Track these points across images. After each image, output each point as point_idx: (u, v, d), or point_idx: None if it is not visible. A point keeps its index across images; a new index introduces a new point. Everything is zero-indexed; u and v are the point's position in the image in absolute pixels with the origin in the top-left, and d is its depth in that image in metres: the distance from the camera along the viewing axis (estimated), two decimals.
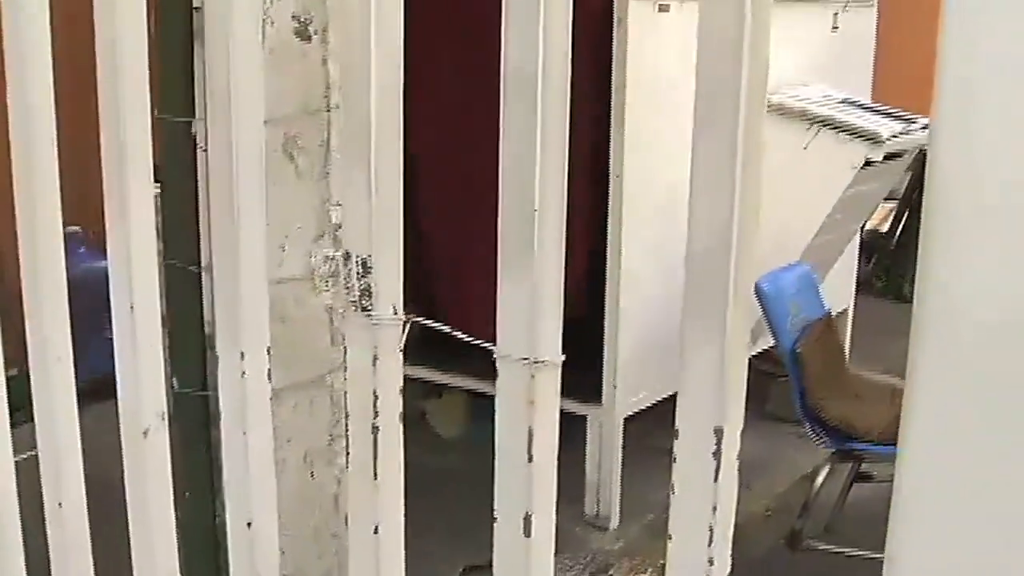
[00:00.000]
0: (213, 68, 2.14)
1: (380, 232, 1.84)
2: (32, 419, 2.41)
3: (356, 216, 1.86)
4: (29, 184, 2.27)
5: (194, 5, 3.49)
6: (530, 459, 1.74)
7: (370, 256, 1.86)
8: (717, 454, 1.56)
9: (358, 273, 1.87)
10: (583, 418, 4.69)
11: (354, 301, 1.89)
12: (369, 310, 1.87)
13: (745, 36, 1.45)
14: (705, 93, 1.50)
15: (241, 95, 2.10)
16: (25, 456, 2.43)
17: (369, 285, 1.87)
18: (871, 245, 8.28)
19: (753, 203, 1.51)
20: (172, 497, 2.41)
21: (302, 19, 3.14)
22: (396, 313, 1.87)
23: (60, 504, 2.41)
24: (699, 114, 1.52)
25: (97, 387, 2.87)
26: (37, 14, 2.19)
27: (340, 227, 3.30)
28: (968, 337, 1.28)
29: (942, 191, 1.28)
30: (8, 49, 2.24)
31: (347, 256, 1.89)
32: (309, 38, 3.16)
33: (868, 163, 4.97)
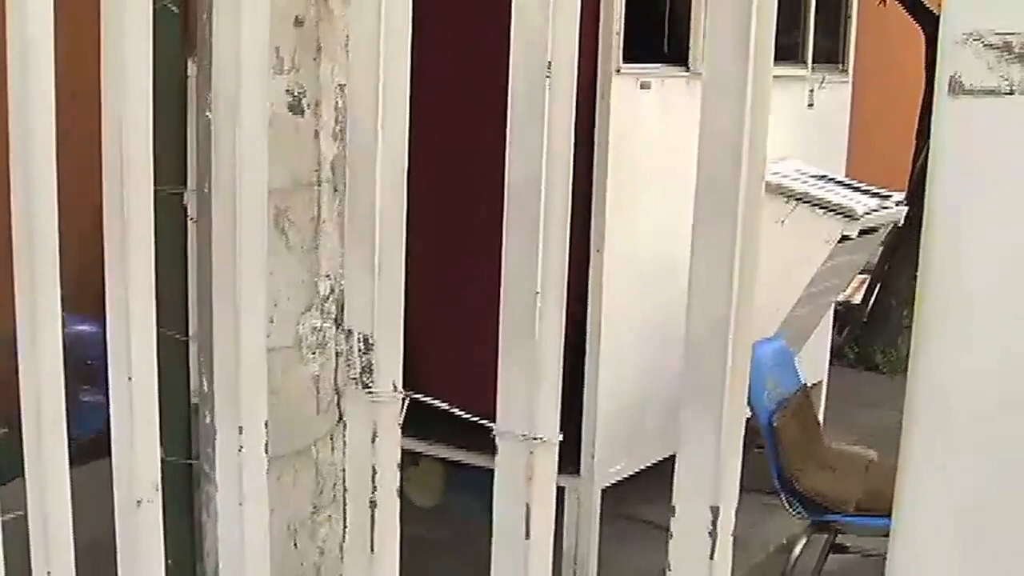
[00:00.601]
0: (219, 141, 2.18)
1: (383, 309, 1.89)
2: (23, 474, 2.42)
3: (359, 293, 1.90)
4: (29, 250, 2.29)
5: (187, 74, 3.56)
6: (527, 535, 1.78)
7: (372, 333, 1.90)
8: (713, 532, 1.61)
9: (360, 350, 1.91)
10: (561, 489, 4.72)
11: (355, 377, 1.93)
12: (370, 386, 1.91)
13: (745, 135, 1.51)
14: (705, 187, 1.56)
15: (246, 168, 2.14)
16: (13, 516, 2.45)
17: (371, 362, 1.91)
18: (844, 316, 8.38)
19: (750, 294, 1.56)
20: (164, 567, 2.43)
21: (295, 93, 3.21)
22: (396, 390, 1.91)
23: (48, 573, 2.42)
24: (699, 210, 1.58)
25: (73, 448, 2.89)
26: (43, 93, 2.23)
27: (328, 299, 3.35)
28: (959, 418, 1.33)
29: (934, 282, 1.34)
30: (14, 121, 2.28)
31: (349, 333, 1.93)
32: (302, 112, 3.22)
33: (844, 238, 5.06)
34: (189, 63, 3.55)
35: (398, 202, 1.87)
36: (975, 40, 1.28)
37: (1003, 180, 1.29)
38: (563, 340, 1.72)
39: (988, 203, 1.31)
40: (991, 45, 1.27)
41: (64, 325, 3.14)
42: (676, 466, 1.65)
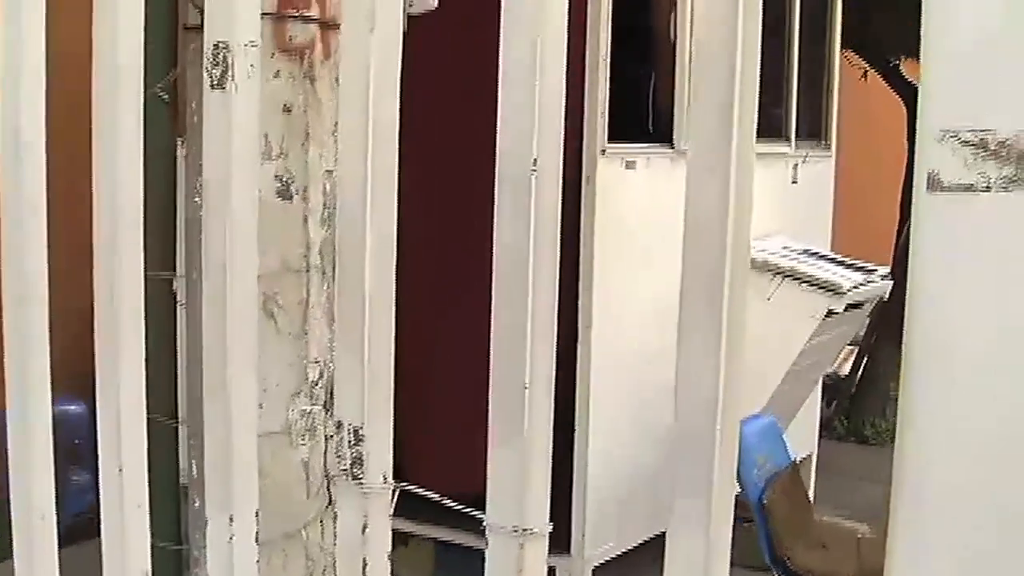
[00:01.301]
0: (209, 228, 2.20)
1: (372, 401, 1.90)
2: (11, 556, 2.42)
3: (348, 384, 1.92)
4: (20, 339, 2.30)
5: (176, 155, 3.59)
6: None
7: (362, 425, 1.91)
8: None
9: (349, 441, 1.92)
10: (552, 568, 4.69)
11: (345, 469, 1.93)
12: (360, 478, 1.92)
13: (729, 216, 1.53)
14: (691, 272, 1.58)
15: (236, 256, 2.16)
16: None
17: (361, 453, 1.92)
18: (832, 388, 8.38)
19: (738, 380, 1.58)
20: None
21: (284, 179, 3.22)
22: (386, 481, 1.92)
23: None
24: (685, 295, 1.59)
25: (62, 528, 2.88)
26: (35, 197, 2.24)
27: (317, 383, 3.35)
28: (945, 493, 1.35)
29: (917, 371, 1.36)
30: (7, 204, 2.30)
31: (339, 425, 1.94)
32: (291, 198, 3.23)
33: (830, 313, 5.08)
34: (179, 144, 3.58)
35: (387, 292, 1.89)
36: (951, 137, 1.31)
37: (982, 274, 1.31)
38: (551, 432, 1.73)
39: (968, 297, 1.33)
40: (967, 142, 1.30)
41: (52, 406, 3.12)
42: (666, 547, 1.66)
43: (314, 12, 3.26)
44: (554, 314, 1.66)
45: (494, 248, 1.67)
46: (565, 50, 1.70)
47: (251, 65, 2.01)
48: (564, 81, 1.67)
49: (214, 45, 2.00)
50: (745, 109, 1.55)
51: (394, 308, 1.89)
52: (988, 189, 1.30)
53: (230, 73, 1.99)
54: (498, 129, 1.67)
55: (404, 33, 3.14)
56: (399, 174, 1.94)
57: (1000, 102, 1.29)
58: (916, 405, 1.37)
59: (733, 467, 1.66)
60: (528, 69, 1.61)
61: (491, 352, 1.72)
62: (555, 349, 1.68)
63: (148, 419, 3.06)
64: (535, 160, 1.61)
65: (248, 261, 2.11)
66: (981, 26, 1.28)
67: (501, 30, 1.66)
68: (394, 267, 1.88)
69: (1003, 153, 1.28)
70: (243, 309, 2.15)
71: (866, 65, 8.09)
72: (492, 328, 1.71)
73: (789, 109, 5.87)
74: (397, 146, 1.85)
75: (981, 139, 1.29)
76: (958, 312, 1.33)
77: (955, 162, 1.31)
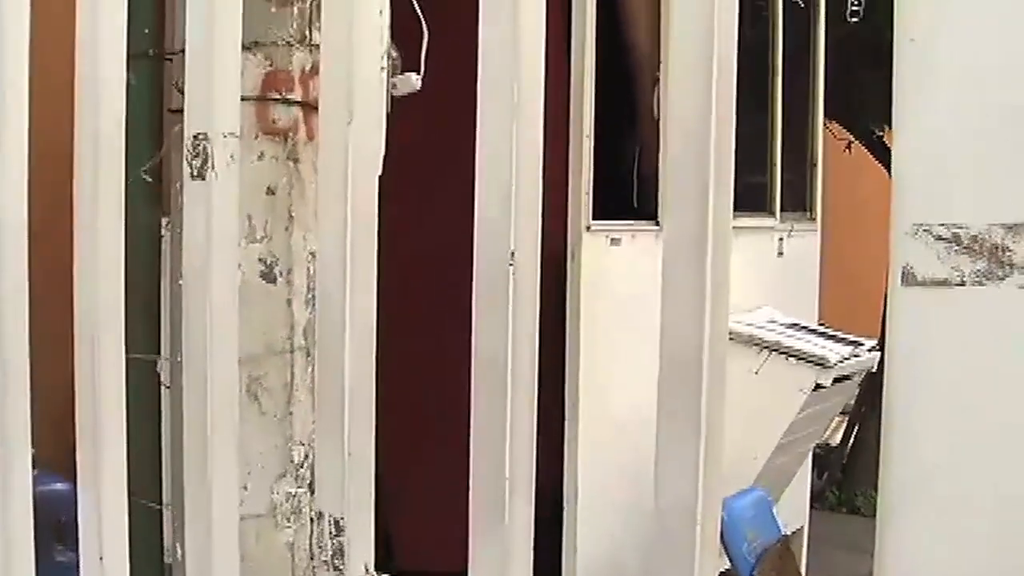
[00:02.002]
0: (190, 312, 2.19)
1: (353, 492, 1.89)
2: None
3: (329, 476, 1.91)
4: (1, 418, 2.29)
5: (160, 234, 3.60)
6: None
7: (343, 516, 1.90)
8: None
9: (331, 532, 1.91)
10: None
11: (326, 560, 1.92)
12: (341, 570, 1.90)
13: (707, 296, 1.53)
14: (668, 355, 1.57)
15: (216, 339, 2.15)
16: None
17: (342, 545, 1.90)
18: (823, 459, 8.34)
19: (717, 462, 1.57)
20: None
21: (268, 262, 3.24)
22: (368, 572, 1.91)
23: None
24: (663, 380, 1.59)
25: None
26: (16, 292, 2.24)
27: (302, 465, 3.34)
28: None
29: (894, 466, 1.35)
30: None
31: (320, 515, 1.92)
32: (274, 280, 3.25)
33: (818, 387, 5.07)
34: (163, 222, 3.59)
35: (367, 383, 1.88)
36: (924, 231, 1.31)
37: (958, 368, 1.31)
38: (532, 525, 1.72)
39: (943, 390, 1.33)
40: (940, 237, 1.31)
41: (36, 484, 3.12)
42: None
43: (297, 95, 3.29)
44: (533, 408, 1.66)
45: (473, 341, 1.67)
46: (541, 142, 1.71)
47: (231, 155, 2.02)
48: (540, 174, 1.68)
49: (193, 136, 2.01)
50: (721, 184, 1.56)
51: (374, 396, 1.88)
52: (962, 283, 1.30)
53: (210, 163, 2.00)
54: (475, 221, 1.67)
55: (388, 114, 3.16)
56: (379, 256, 1.94)
57: (972, 197, 1.30)
58: (892, 496, 1.37)
59: (715, 550, 1.65)
60: (504, 162, 1.61)
61: (471, 443, 1.71)
62: (535, 442, 1.68)
63: (132, 501, 3.04)
64: (512, 253, 1.61)
65: (228, 351, 2.11)
66: (951, 123, 1.29)
67: (477, 126, 1.67)
68: (374, 355, 1.88)
69: (976, 247, 1.29)
70: (224, 398, 2.14)
71: (850, 136, 8.14)
72: (472, 419, 1.71)
73: (774, 182, 5.89)
74: (376, 232, 1.85)
75: (954, 234, 1.30)
76: (934, 407, 1.33)
77: (928, 256, 1.31)
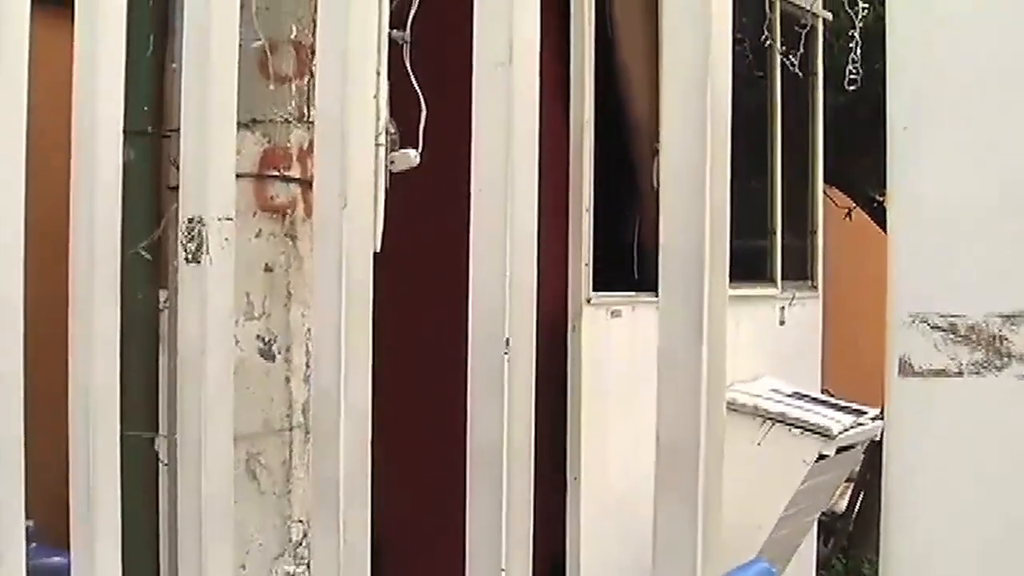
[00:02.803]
0: (184, 390, 2.17)
1: None
2: None
3: (325, 565, 1.88)
4: None
5: (160, 306, 3.59)
6: None
7: None
8: None
9: None
10: None
11: None
12: None
13: (703, 366, 1.51)
14: (665, 429, 1.56)
15: (211, 418, 2.13)
16: None
17: None
18: (828, 526, 8.29)
19: (716, 536, 1.55)
20: None
21: (266, 339, 3.23)
22: None
23: None
24: (659, 464, 1.58)
25: None
26: (12, 345, 2.23)
27: (301, 543, 3.31)
28: None
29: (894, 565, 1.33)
30: None
31: None
32: (273, 357, 3.24)
33: (821, 457, 5.04)
34: (162, 296, 3.59)
35: (363, 468, 1.86)
36: (921, 322, 1.30)
37: (956, 459, 1.30)
38: None
39: (941, 480, 1.31)
40: (937, 327, 1.29)
41: (33, 557, 3.09)
42: None
43: (295, 172, 3.30)
44: (530, 500, 1.64)
45: (468, 430, 1.65)
46: (535, 227, 1.70)
47: (225, 239, 2.01)
48: (535, 260, 1.67)
49: (188, 220, 2.00)
50: (716, 254, 1.55)
51: (370, 487, 1.86)
52: (960, 373, 1.29)
53: (204, 247, 1.99)
54: (469, 307, 1.66)
55: (386, 189, 3.17)
56: (375, 342, 1.93)
57: (969, 286, 1.28)
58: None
59: None
60: (498, 247, 1.61)
61: (467, 532, 1.69)
62: (531, 532, 1.66)
63: None
64: (508, 341, 1.60)
65: (223, 435, 2.09)
66: (947, 212, 1.29)
67: (471, 209, 1.66)
68: (369, 445, 1.86)
69: (973, 337, 1.27)
70: (219, 482, 2.11)
71: (851, 203, 8.16)
72: (467, 509, 1.69)
73: (774, 250, 5.90)
74: (371, 312, 1.84)
75: (951, 324, 1.29)
76: (933, 499, 1.31)
77: (925, 346, 1.30)
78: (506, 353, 1.61)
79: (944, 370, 1.29)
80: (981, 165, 1.26)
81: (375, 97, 1.92)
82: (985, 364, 1.28)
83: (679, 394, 1.57)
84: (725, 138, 1.65)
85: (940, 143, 1.29)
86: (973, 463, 1.28)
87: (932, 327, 1.29)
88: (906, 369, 1.31)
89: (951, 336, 1.29)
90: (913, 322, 1.31)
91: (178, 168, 3.24)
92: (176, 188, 3.35)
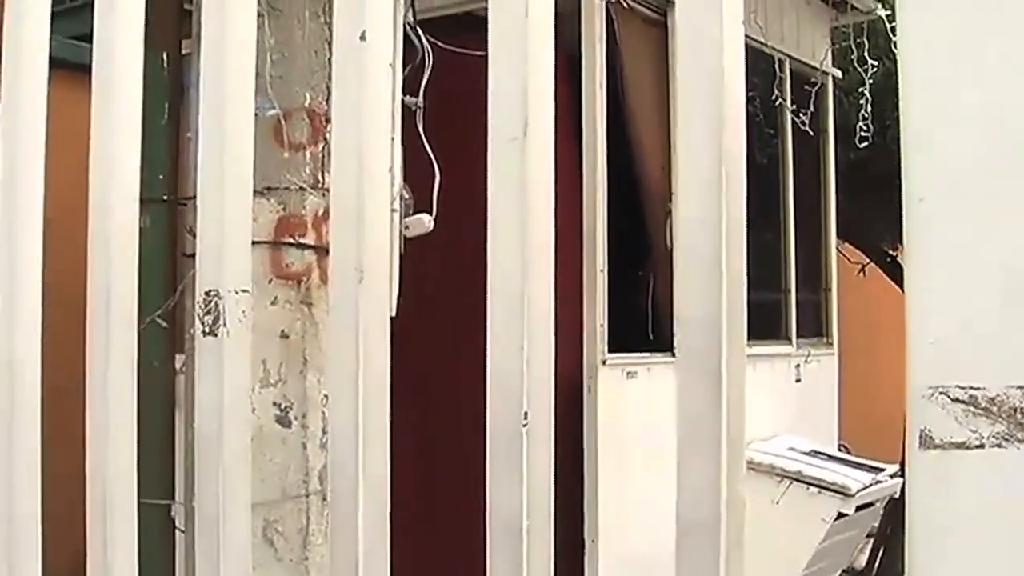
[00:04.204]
0: (202, 466, 2.17)
1: None
2: None
3: None
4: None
5: (177, 371, 3.60)
6: None
7: None
8: None
9: None
10: None
11: None
12: None
13: (723, 428, 1.51)
14: (684, 520, 1.55)
15: (229, 488, 2.12)
16: None
17: None
18: None
19: None
20: None
21: (282, 406, 3.23)
22: None
23: None
24: (681, 524, 1.57)
25: None
26: (30, 410, 2.23)
27: None
28: None
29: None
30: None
31: None
32: (289, 424, 3.23)
33: (840, 515, 5.01)
34: (178, 360, 3.59)
35: (382, 542, 1.85)
36: (941, 394, 1.30)
37: (978, 532, 1.29)
38: None
39: (963, 552, 1.30)
40: (957, 399, 1.29)
41: None
42: None
43: (310, 239, 3.31)
44: (550, 570, 1.63)
45: (487, 501, 1.65)
46: (552, 296, 1.70)
47: (243, 311, 2.02)
48: (553, 330, 1.67)
49: (205, 293, 2.01)
50: (734, 312, 1.54)
51: (389, 561, 1.85)
52: (981, 446, 1.28)
53: (222, 320, 2.00)
54: (487, 377, 1.66)
55: (401, 255, 3.17)
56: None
57: (988, 359, 1.28)
58: None
59: None
60: (515, 322, 1.61)
61: None
62: None
63: None
64: (526, 414, 1.60)
65: (241, 506, 2.09)
66: (965, 285, 1.28)
67: (487, 280, 1.66)
68: (388, 516, 1.85)
69: (994, 410, 1.27)
70: (236, 553, 2.11)
71: (864, 258, 8.15)
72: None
73: (789, 308, 5.89)
74: (389, 397, 1.84)
75: (971, 396, 1.28)
76: (954, 569, 1.30)
77: (946, 419, 1.30)
78: (524, 424, 1.60)
79: (965, 443, 1.29)
80: (998, 240, 1.26)
81: (390, 170, 1.93)
82: (1007, 436, 1.27)
83: (698, 470, 1.56)
84: (741, 203, 1.65)
85: (957, 216, 1.29)
86: (996, 535, 1.27)
87: (952, 399, 1.29)
88: (926, 442, 1.30)
89: (971, 408, 1.28)
90: (933, 395, 1.30)
91: (194, 236, 3.27)
92: (191, 256, 3.38)
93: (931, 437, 1.30)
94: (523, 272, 1.62)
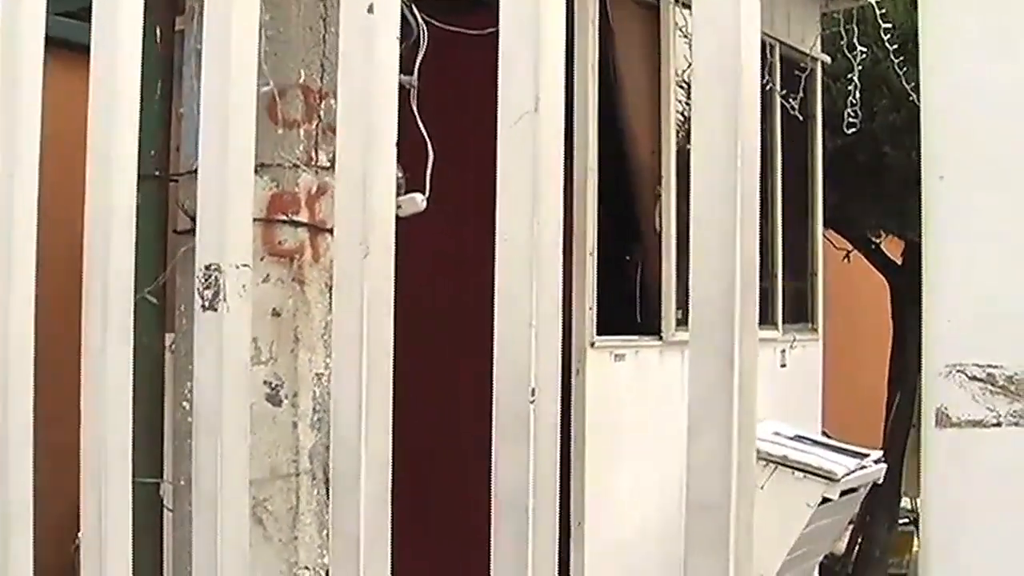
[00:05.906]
0: (200, 444, 2.15)
1: None
2: None
3: None
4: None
5: (167, 349, 3.58)
6: None
7: None
8: None
9: None
10: None
11: None
12: None
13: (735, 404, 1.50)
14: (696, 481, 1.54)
15: (228, 465, 2.11)
16: None
17: None
18: (828, 568, 8.24)
19: None
20: None
21: (273, 384, 3.21)
22: None
23: None
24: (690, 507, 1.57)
25: None
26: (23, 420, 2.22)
27: None
28: None
29: None
30: None
31: None
32: (280, 403, 3.22)
33: (824, 500, 5.03)
34: (168, 340, 3.57)
35: (383, 521, 1.84)
36: (958, 372, 1.29)
37: (995, 512, 1.28)
38: None
39: (980, 531, 1.30)
40: (975, 377, 1.28)
41: None
42: None
43: (304, 216, 3.29)
44: (555, 545, 1.63)
45: (493, 479, 1.64)
46: (560, 277, 1.70)
47: (243, 286, 2.00)
48: (560, 308, 1.67)
49: (205, 267, 1.99)
50: (747, 286, 1.54)
51: (390, 540, 1.84)
52: (998, 424, 1.28)
53: (222, 295, 1.98)
54: (495, 357, 1.65)
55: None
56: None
57: (1007, 337, 1.28)
58: None
59: None
60: (524, 297, 1.60)
61: None
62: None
63: None
64: (533, 390, 1.59)
65: (239, 484, 2.07)
66: (983, 263, 1.28)
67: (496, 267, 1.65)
68: (389, 495, 1.84)
69: (1012, 388, 1.27)
70: (234, 531, 2.09)
71: (848, 245, 8.17)
72: (492, 557, 1.67)
73: (775, 294, 5.90)
74: (392, 373, 1.82)
75: (988, 374, 1.28)
76: (974, 551, 1.29)
77: (963, 397, 1.29)
78: (532, 401, 1.60)
79: (982, 421, 1.28)
80: (1019, 214, 1.26)
81: (397, 144, 1.91)
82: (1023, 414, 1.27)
83: (710, 448, 1.56)
84: (754, 186, 1.63)
85: (977, 192, 1.29)
86: (1013, 513, 1.27)
87: (970, 378, 1.29)
88: (943, 420, 1.30)
89: (989, 387, 1.28)
90: (950, 373, 1.30)
91: (185, 212, 3.24)
92: (183, 232, 3.36)
93: (947, 415, 1.30)
94: (534, 245, 1.61)
